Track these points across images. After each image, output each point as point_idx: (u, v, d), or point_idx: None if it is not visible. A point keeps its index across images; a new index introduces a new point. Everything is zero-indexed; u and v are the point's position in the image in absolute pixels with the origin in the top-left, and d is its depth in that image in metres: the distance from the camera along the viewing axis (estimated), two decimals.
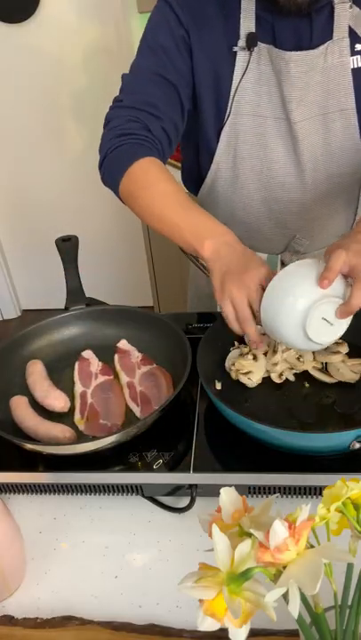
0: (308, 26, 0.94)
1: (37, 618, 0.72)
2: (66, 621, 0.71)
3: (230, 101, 1.00)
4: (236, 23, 0.96)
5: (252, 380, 0.92)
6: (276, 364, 0.93)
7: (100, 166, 1.00)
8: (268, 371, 0.94)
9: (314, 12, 0.92)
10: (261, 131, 1.02)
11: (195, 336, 1.02)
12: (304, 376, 0.94)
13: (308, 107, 0.99)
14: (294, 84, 0.96)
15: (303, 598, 0.50)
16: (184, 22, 0.97)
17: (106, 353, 1.03)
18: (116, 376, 0.99)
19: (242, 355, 0.96)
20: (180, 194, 0.92)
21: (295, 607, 0.44)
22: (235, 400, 0.91)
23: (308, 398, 0.91)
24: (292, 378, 0.94)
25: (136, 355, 1.01)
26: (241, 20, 0.96)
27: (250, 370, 0.93)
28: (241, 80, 0.98)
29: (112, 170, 0.97)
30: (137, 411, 0.92)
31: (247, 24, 0.96)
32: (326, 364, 0.95)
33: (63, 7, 2.33)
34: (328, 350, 0.94)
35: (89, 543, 0.83)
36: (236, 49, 0.97)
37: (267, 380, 0.94)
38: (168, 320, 1.00)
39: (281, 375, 0.94)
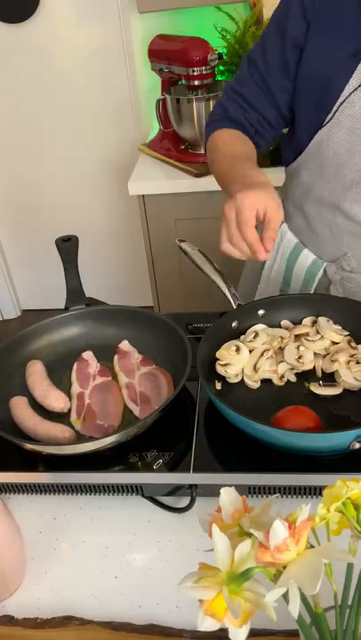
0: None
1: (37, 618, 0.72)
2: (66, 621, 0.71)
3: (335, 109, 0.97)
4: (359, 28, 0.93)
5: (229, 373, 0.92)
6: (257, 371, 0.93)
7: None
8: (268, 371, 0.94)
9: None
10: (356, 148, 0.99)
11: (195, 336, 1.03)
12: (305, 376, 0.94)
13: None
14: None
15: (303, 598, 0.50)
16: (309, 15, 0.97)
17: (106, 353, 1.03)
18: (115, 377, 0.99)
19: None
20: (233, 156, 1.03)
21: (295, 607, 0.44)
22: (235, 400, 0.91)
23: (309, 398, 0.91)
24: (293, 378, 0.94)
25: (136, 356, 1.01)
26: None
27: (228, 362, 0.93)
28: (355, 91, 0.94)
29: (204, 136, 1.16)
30: (136, 410, 0.92)
31: None
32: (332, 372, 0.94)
33: (63, 7, 2.33)
34: (328, 358, 0.94)
35: (89, 543, 0.83)
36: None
37: (267, 380, 0.94)
38: (168, 320, 1.00)
39: (282, 377, 0.94)
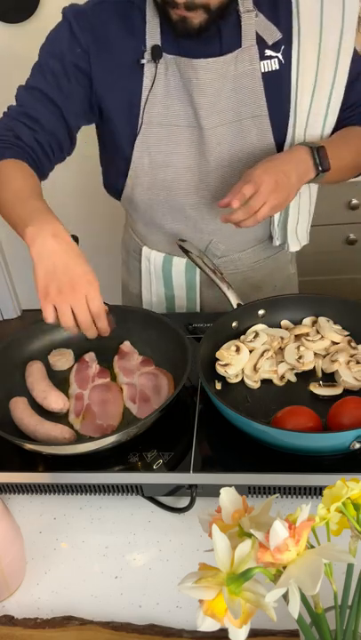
0: (216, 35, 0.95)
1: (37, 618, 0.72)
2: (66, 621, 0.71)
3: (141, 113, 1.01)
4: (142, 37, 0.98)
5: (229, 373, 0.92)
6: (257, 371, 0.93)
7: None
8: (268, 372, 0.94)
9: (221, 21, 0.93)
10: (175, 139, 1.03)
11: (195, 336, 1.03)
12: (305, 376, 0.94)
13: (222, 114, 1.01)
14: (204, 91, 0.98)
15: (303, 598, 0.50)
16: (83, 43, 0.98)
17: (106, 353, 1.03)
18: (114, 379, 0.99)
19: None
20: (29, 190, 0.93)
21: (295, 607, 0.44)
22: (235, 400, 0.91)
23: (309, 398, 0.91)
24: (293, 378, 0.94)
25: (136, 357, 1.01)
26: (146, 34, 0.97)
27: (228, 362, 0.93)
28: (150, 91, 0.99)
29: None
30: (134, 409, 0.92)
31: (152, 37, 0.97)
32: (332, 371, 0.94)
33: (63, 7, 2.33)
34: (328, 358, 0.94)
35: (89, 543, 0.83)
36: (143, 61, 0.98)
37: (267, 380, 0.94)
38: (168, 320, 1.00)
39: (283, 377, 0.94)
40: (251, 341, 0.97)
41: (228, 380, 0.94)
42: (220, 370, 0.93)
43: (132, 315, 1.06)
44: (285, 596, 0.44)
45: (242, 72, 0.99)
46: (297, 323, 1.03)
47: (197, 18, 0.89)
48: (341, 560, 0.45)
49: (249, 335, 0.99)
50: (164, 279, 1.24)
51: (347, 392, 0.90)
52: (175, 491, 0.84)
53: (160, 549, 0.80)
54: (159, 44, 0.97)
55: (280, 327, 1.02)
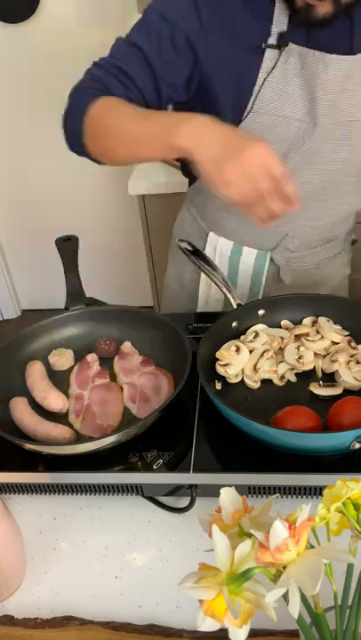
0: (348, 31, 0.91)
1: (37, 618, 0.72)
2: (66, 621, 0.71)
3: (253, 98, 0.97)
4: (267, 21, 0.93)
5: (229, 373, 0.93)
6: (257, 371, 0.93)
7: (64, 118, 0.97)
8: (268, 372, 0.94)
9: (356, 17, 0.89)
10: (279, 130, 1.00)
11: (195, 336, 1.03)
12: (305, 376, 0.94)
13: (336, 112, 0.97)
14: (329, 88, 0.94)
15: (303, 598, 0.50)
16: (204, 18, 0.93)
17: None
18: (114, 379, 0.99)
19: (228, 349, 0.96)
20: (143, 111, 0.90)
21: (295, 607, 0.44)
22: (235, 400, 0.91)
23: (309, 398, 0.91)
24: (293, 378, 0.94)
25: (136, 357, 1.01)
26: (274, 18, 0.93)
27: (228, 362, 0.93)
28: (267, 78, 0.95)
29: (74, 112, 0.95)
30: (134, 409, 0.92)
31: (280, 23, 0.93)
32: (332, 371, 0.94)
33: (63, 7, 2.33)
34: (328, 358, 0.94)
35: (89, 543, 0.83)
36: (265, 46, 0.93)
37: (267, 380, 0.94)
38: (168, 320, 1.00)
39: (283, 377, 0.94)
40: (251, 341, 0.97)
41: (228, 380, 0.94)
42: (220, 370, 0.93)
43: (132, 315, 1.06)
44: (285, 596, 0.44)
45: None
46: (297, 323, 1.03)
47: (324, 8, 0.85)
48: (341, 560, 0.45)
49: (249, 335, 0.99)
50: (230, 268, 1.21)
51: (347, 392, 0.90)
52: (175, 491, 0.84)
53: (160, 549, 0.80)
54: (286, 29, 0.92)
55: (280, 327, 1.02)
